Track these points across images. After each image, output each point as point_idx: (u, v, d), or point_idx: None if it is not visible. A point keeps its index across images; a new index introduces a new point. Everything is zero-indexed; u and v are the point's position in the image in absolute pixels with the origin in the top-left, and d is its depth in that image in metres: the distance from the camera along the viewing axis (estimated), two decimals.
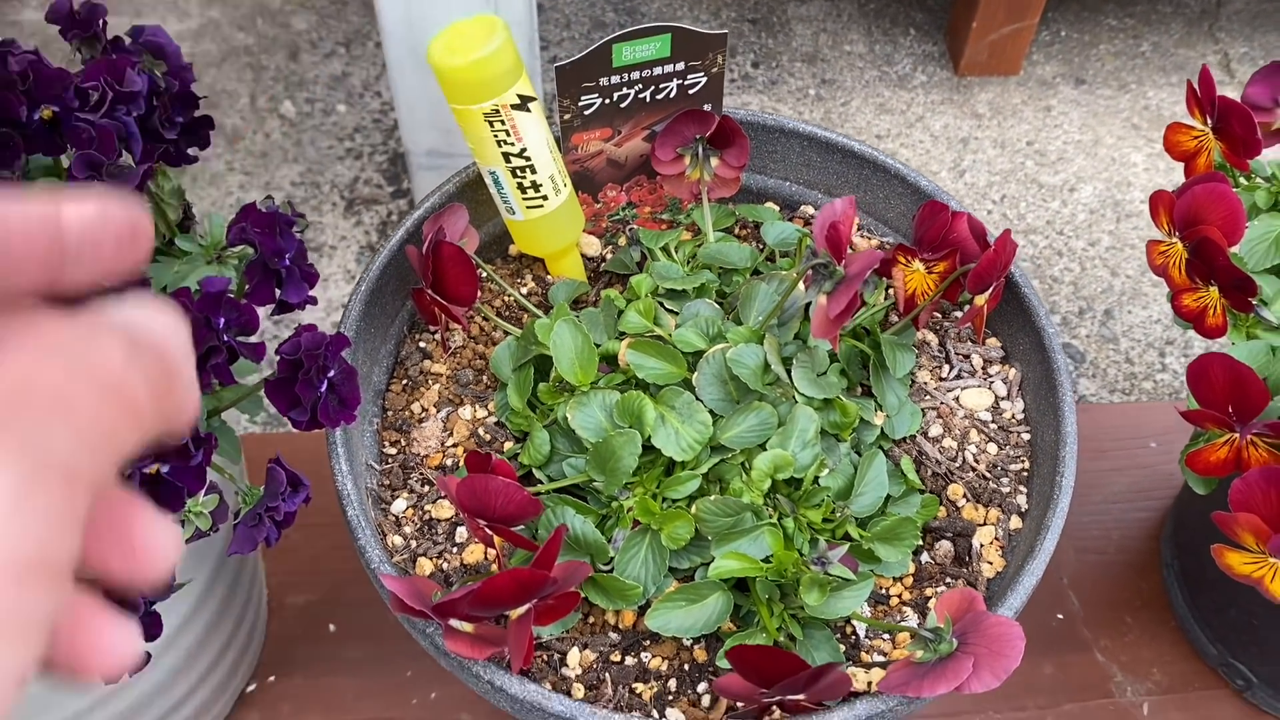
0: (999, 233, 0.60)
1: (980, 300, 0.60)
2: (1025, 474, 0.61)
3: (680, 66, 0.62)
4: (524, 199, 0.62)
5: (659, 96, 0.63)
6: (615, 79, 0.62)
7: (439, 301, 0.59)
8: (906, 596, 0.57)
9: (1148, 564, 0.84)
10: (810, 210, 0.72)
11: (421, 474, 0.60)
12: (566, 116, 0.63)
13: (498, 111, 0.58)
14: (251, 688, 0.75)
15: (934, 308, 0.62)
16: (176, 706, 0.66)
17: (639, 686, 0.54)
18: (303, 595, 0.80)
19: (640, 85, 0.62)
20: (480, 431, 0.61)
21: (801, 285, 0.56)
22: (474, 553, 0.57)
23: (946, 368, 0.65)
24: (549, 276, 0.68)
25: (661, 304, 0.62)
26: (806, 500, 0.55)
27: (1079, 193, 1.24)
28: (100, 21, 0.55)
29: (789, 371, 0.57)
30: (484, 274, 0.65)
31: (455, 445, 0.61)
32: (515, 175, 0.61)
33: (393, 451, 0.61)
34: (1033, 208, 1.23)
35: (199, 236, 0.55)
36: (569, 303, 0.64)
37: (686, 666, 0.55)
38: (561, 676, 0.54)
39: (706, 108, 0.65)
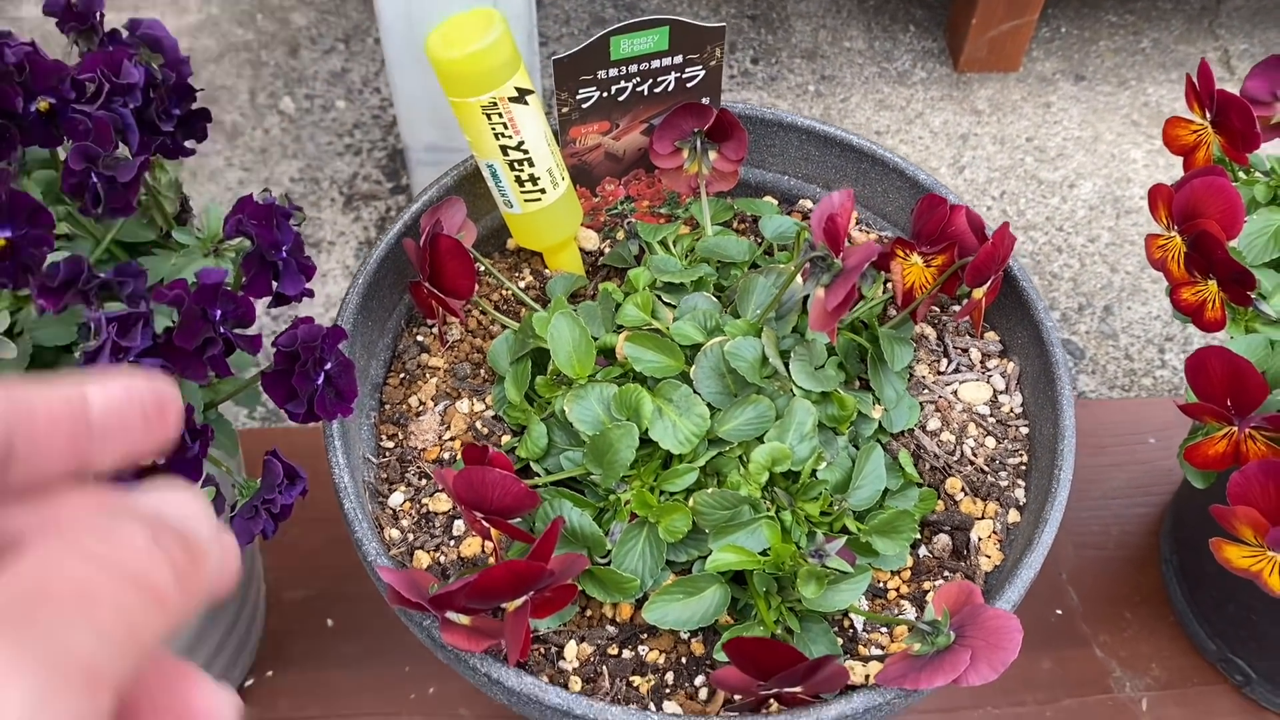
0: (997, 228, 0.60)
1: (978, 293, 0.60)
2: (1023, 468, 0.61)
3: (678, 60, 0.62)
4: (522, 192, 0.62)
5: (657, 90, 0.63)
6: (613, 72, 0.61)
7: (436, 295, 0.59)
8: (904, 590, 0.57)
9: (1146, 560, 0.84)
10: (809, 204, 0.72)
11: (419, 467, 0.60)
12: (564, 110, 0.62)
13: (495, 104, 0.58)
14: (249, 682, 0.75)
15: (932, 301, 0.62)
16: None
17: (636, 679, 0.54)
18: (300, 590, 0.80)
19: (638, 78, 0.62)
20: (478, 425, 0.61)
21: (799, 278, 0.56)
22: (471, 546, 0.57)
23: (945, 361, 0.65)
24: (547, 270, 0.68)
25: (659, 297, 0.62)
26: (804, 493, 0.55)
27: (1079, 189, 1.24)
28: (97, 14, 0.55)
29: (787, 365, 0.57)
30: (482, 268, 0.65)
31: (453, 439, 0.61)
32: (513, 168, 0.61)
33: (390, 445, 0.61)
34: (1032, 204, 1.23)
35: (196, 229, 0.55)
36: (567, 296, 0.64)
37: (684, 659, 0.55)
38: (559, 670, 0.54)
39: (705, 101, 0.65)
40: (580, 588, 0.53)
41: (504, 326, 0.64)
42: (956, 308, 0.67)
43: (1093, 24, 1.42)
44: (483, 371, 0.64)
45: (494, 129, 0.59)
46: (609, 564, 0.54)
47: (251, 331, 0.49)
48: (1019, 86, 1.34)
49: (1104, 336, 1.12)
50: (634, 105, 0.64)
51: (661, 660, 0.54)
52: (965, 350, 0.65)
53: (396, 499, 0.59)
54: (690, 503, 0.54)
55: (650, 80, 0.63)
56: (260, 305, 0.52)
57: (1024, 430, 0.63)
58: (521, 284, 0.68)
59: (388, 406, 0.63)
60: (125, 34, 0.56)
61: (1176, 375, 1.09)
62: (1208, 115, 0.64)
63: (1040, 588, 0.82)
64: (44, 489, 0.21)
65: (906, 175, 0.68)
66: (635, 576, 0.52)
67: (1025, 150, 1.28)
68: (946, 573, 0.58)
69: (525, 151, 0.60)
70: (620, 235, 0.70)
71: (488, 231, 0.69)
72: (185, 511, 0.21)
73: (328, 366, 0.50)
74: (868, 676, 0.53)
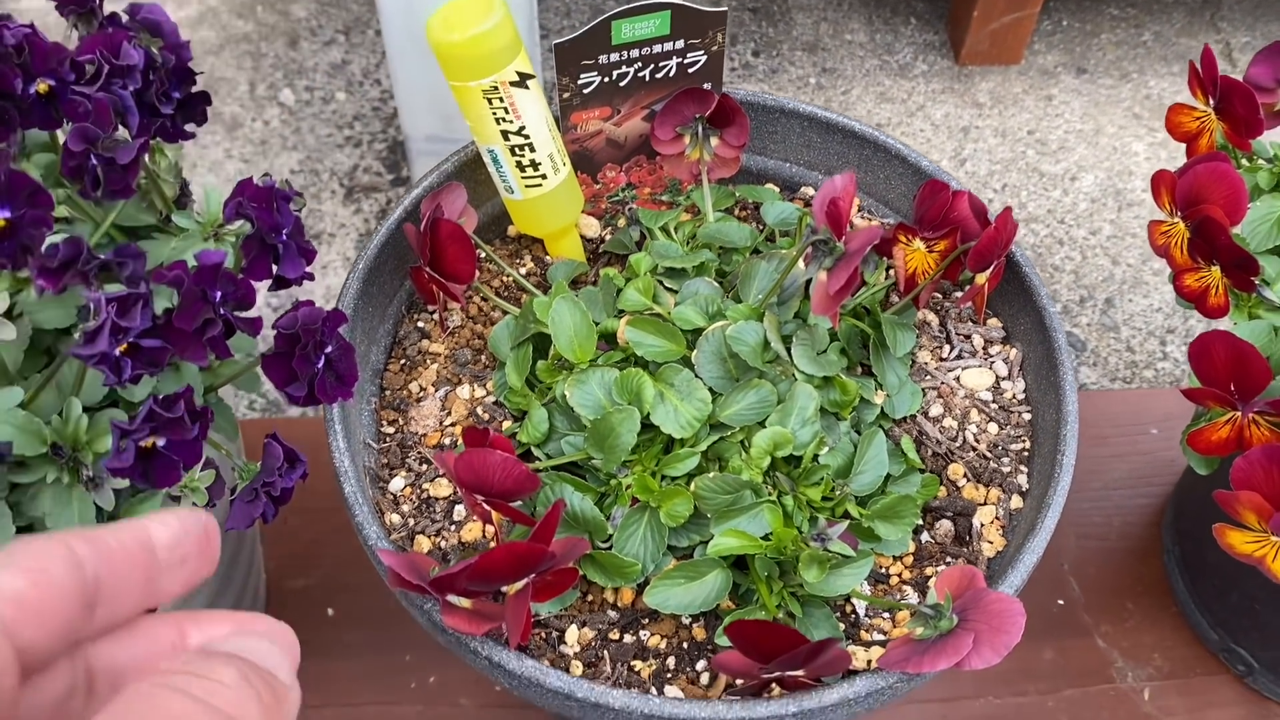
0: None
1: (981, 279, 0.60)
2: (1026, 454, 0.61)
3: (680, 44, 0.62)
4: (523, 178, 0.62)
5: (658, 75, 0.63)
6: (614, 57, 0.61)
7: (437, 279, 0.59)
8: (906, 575, 0.57)
9: (1148, 550, 0.83)
10: (810, 191, 0.72)
11: (419, 453, 0.60)
12: (566, 95, 0.62)
13: (496, 88, 0.58)
14: None
15: (934, 287, 0.62)
16: None
17: (638, 664, 0.53)
18: (301, 580, 0.80)
19: (640, 63, 0.62)
20: (479, 410, 0.61)
21: (801, 263, 0.56)
22: (472, 530, 0.57)
23: (947, 348, 0.65)
24: (548, 257, 0.68)
25: (661, 282, 0.61)
26: (806, 478, 0.55)
27: (1080, 182, 1.24)
28: None
29: (789, 349, 0.57)
30: (483, 254, 0.64)
31: (453, 424, 0.61)
32: (514, 154, 0.61)
33: (390, 430, 0.61)
34: (1034, 196, 1.22)
35: (196, 213, 0.55)
36: (568, 283, 0.64)
37: (685, 644, 0.54)
38: (560, 654, 0.53)
39: (706, 86, 0.65)
40: (581, 572, 0.53)
41: (505, 312, 0.64)
42: (959, 294, 0.67)
43: (1094, 17, 1.41)
44: (484, 357, 0.63)
45: (495, 113, 0.59)
46: (610, 548, 0.53)
47: (252, 318, 0.49)
48: (1020, 79, 1.34)
49: (1105, 329, 1.12)
50: (635, 90, 0.64)
51: (663, 645, 0.54)
52: (968, 336, 0.65)
53: (397, 484, 0.59)
54: (692, 487, 0.53)
55: (652, 65, 0.62)
56: (262, 296, 0.52)
57: (1026, 416, 0.62)
58: (523, 270, 0.68)
59: (388, 392, 0.63)
60: (125, 18, 0.56)
61: (1178, 367, 1.09)
62: (1211, 101, 0.64)
63: (1042, 578, 0.81)
64: (125, 624, 0.24)
65: (909, 162, 0.68)
66: (636, 561, 0.52)
67: (1027, 143, 1.27)
68: (949, 558, 0.58)
69: (526, 137, 0.60)
70: (621, 222, 0.69)
71: (489, 218, 0.69)
72: (266, 654, 0.24)
73: (328, 350, 0.50)
74: (870, 661, 0.53)
